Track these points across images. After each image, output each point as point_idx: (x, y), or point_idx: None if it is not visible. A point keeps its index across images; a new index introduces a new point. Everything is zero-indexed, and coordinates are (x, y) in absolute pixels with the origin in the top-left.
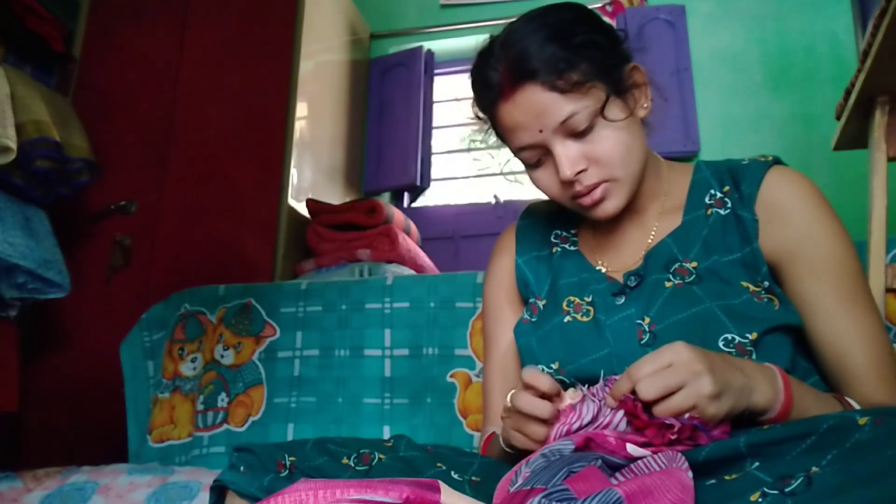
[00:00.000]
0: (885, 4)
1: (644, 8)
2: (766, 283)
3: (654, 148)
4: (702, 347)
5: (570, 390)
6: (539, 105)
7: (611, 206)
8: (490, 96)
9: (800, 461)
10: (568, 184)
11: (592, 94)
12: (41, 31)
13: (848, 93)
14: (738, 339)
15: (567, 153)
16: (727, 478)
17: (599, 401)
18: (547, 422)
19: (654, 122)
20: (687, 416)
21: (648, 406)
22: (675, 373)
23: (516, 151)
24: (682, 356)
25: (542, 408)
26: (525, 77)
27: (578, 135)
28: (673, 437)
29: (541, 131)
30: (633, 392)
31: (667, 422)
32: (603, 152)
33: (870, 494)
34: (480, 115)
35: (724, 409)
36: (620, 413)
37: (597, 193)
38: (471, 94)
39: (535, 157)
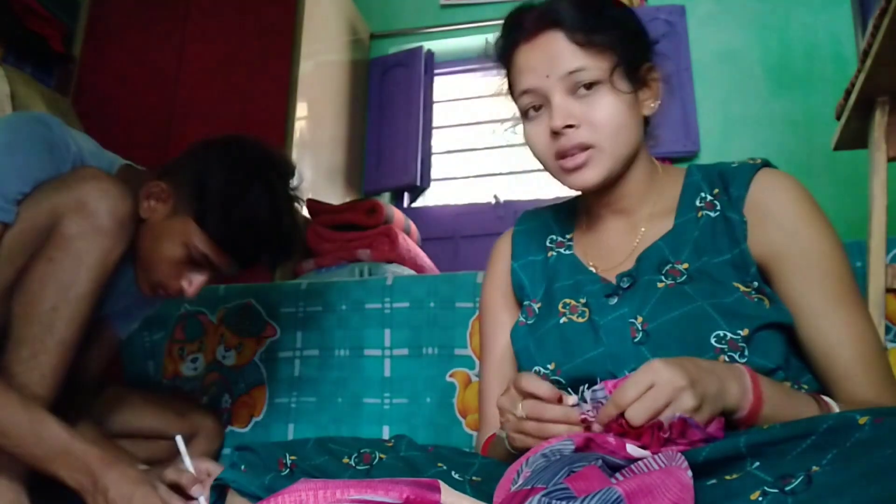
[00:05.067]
0: (885, 4)
1: (644, 8)
2: (756, 284)
3: (653, 148)
4: (694, 345)
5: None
6: (555, 50)
7: (589, 176)
8: (515, 37)
9: (800, 460)
10: (555, 137)
11: (606, 57)
12: (41, 31)
13: (848, 93)
14: (730, 335)
15: (563, 104)
16: (727, 477)
17: (590, 412)
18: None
19: (654, 127)
20: (677, 414)
21: None
22: (659, 393)
23: (519, 95)
24: (662, 375)
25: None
26: (551, 23)
27: (580, 94)
28: (666, 436)
29: (547, 76)
30: (620, 414)
31: (656, 423)
32: (597, 116)
33: (870, 493)
34: (500, 62)
35: (705, 416)
36: (612, 434)
37: (580, 158)
38: (495, 41)
39: (534, 104)
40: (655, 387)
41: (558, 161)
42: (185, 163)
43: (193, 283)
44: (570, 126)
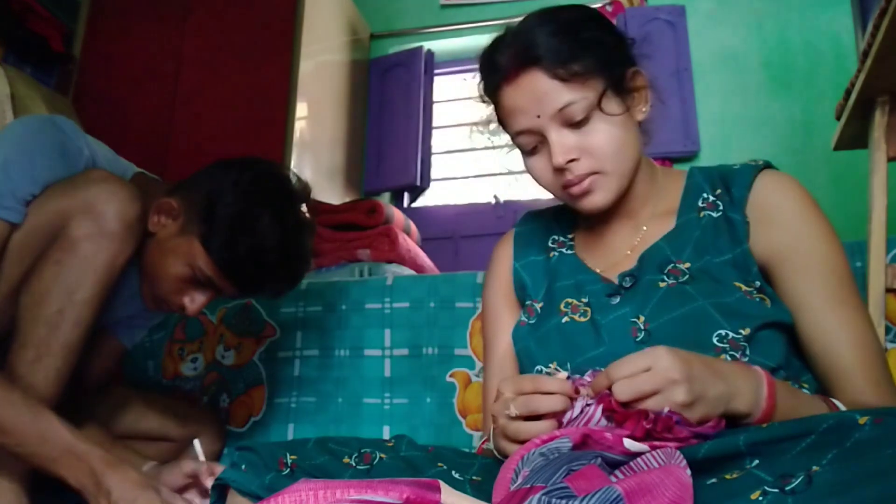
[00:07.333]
0: (885, 4)
1: (644, 8)
2: (758, 283)
3: (654, 148)
4: (696, 344)
5: (556, 373)
6: (539, 90)
7: (598, 199)
8: (495, 79)
9: (800, 460)
10: (559, 171)
11: (592, 86)
12: (41, 31)
13: (848, 93)
14: (731, 334)
15: (561, 141)
16: (727, 476)
17: (584, 395)
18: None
19: (654, 125)
20: (666, 409)
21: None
22: (650, 378)
23: (514, 136)
24: (662, 362)
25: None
26: (529, 62)
27: (574, 125)
28: (648, 427)
29: (538, 116)
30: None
31: (642, 411)
32: (596, 144)
33: (870, 493)
34: (485, 98)
35: (696, 416)
36: (601, 407)
37: (585, 184)
38: (478, 78)
39: (532, 144)
40: (651, 371)
41: (565, 190)
42: (198, 182)
43: (196, 301)
44: (572, 160)
